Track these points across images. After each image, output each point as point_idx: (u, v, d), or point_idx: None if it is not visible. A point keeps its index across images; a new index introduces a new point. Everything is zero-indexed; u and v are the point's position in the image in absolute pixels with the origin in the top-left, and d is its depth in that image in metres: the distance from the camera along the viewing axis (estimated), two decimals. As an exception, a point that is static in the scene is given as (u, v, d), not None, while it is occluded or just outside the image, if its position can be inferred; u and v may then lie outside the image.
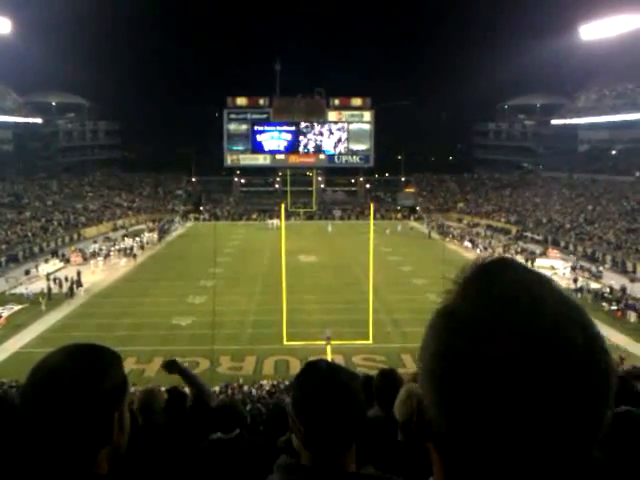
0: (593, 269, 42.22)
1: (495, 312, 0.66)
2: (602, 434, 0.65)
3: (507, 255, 39.05)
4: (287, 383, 20.26)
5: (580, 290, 36.76)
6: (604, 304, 33.99)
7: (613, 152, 73.48)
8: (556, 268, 42.60)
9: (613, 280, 39.03)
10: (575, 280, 38.70)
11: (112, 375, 1.29)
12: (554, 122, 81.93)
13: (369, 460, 1.52)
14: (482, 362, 0.63)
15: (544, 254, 48.14)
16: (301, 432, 1.45)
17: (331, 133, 79.64)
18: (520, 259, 44.69)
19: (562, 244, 52.18)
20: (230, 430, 4.38)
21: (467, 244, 53.00)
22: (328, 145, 79.77)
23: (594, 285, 37.94)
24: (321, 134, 79.44)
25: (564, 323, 0.65)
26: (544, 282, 0.70)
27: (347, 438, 1.45)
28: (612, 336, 28.54)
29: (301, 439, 1.45)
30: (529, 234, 57.41)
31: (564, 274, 41.13)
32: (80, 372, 1.24)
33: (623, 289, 35.65)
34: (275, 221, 62.72)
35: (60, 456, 1.22)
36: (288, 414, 1.51)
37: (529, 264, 43.46)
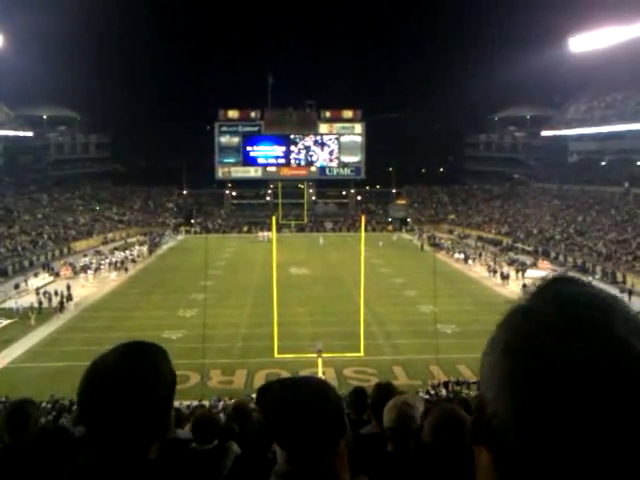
0: (584, 280, 42.27)
1: (575, 315, 0.65)
2: None
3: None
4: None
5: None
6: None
7: (603, 163, 73.88)
8: (547, 279, 42.64)
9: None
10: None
11: (167, 371, 1.34)
12: (544, 133, 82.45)
13: (363, 472, 1.51)
14: (561, 360, 0.61)
15: (534, 265, 48.25)
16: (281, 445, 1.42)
17: (322, 145, 79.91)
18: (511, 270, 44.87)
19: (552, 255, 52.37)
20: (208, 441, 4.43)
21: (458, 256, 53.08)
22: (319, 157, 80.00)
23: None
24: (312, 146, 79.70)
25: (636, 334, 0.63)
26: (617, 298, 0.69)
27: (323, 444, 1.39)
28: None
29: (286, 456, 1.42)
30: (520, 245, 57.59)
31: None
32: (139, 370, 1.28)
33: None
34: (266, 233, 62.68)
35: (118, 450, 1.26)
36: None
37: (520, 275, 43.66)
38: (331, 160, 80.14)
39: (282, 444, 1.41)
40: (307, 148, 79.68)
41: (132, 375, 1.26)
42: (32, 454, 2.78)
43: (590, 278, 42.42)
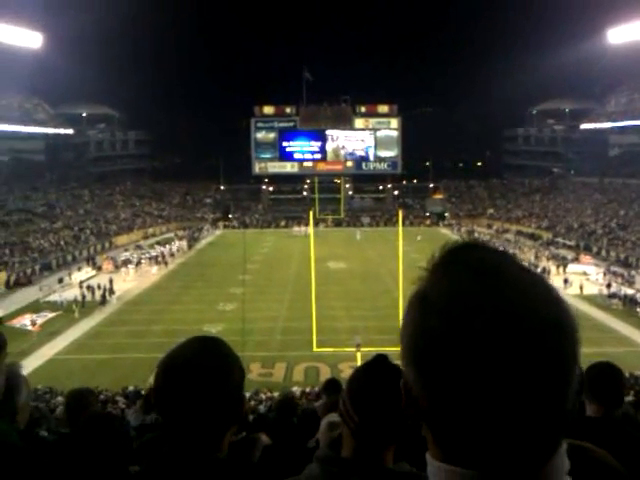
0: (626, 274, 41.54)
1: (463, 291, 0.70)
2: (573, 392, 0.70)
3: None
4: (317, 390, 20.18)
5: (613, 295, 36.22)
6: (638, 309, 33.45)
7: (645, 156, 72.31)
8: (589, 273, 42.02)
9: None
10: (608, 285, 38.13)
11: (237, 359, 1.43)
12: (584, 126, 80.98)
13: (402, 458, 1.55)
14: (454, 339, 0.67)
15: (576, 259, 47.51)
16: (354, 422, 1.47)
17: (358, 140, 79.72)
18: (552, 265, 44.23)
19: (594, 249, 51.45)
20: (236, 433, 4.51)
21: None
22: (355, 152, 79.85)
23: (628, 290, 37.32)
24: (348, 141, 79.58)
25: (532, 297, 0.69)
26: (512, 260, 0.75)
27: (395, 435, 1.48)
28: (647, 342, 28.17)
29: (352, 428, 1.48)
30: (560, 239, 56.71)
31: (597, 279, 40.55)
32: (215, 358, 1.37)
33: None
34: (303, 228, 62.85)
35: (198, 437, 1.33)
36: (341, 402, 1.54)
37: (561, 270, 43.01)
38: (367, 155, 79.87)
39: (363, 413, 1.46)
40: (343, 142, 79.53)
41: (210, 363, 1.34)
42: (87, 443, 2.80)
43: (633, 272, 41.73)
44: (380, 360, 1.57)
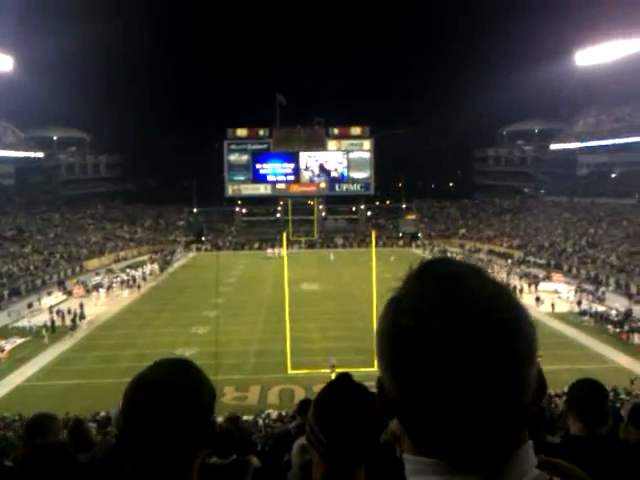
0: (597, 292, 42.09)
1: (433, 296, 0.78)
2: (529, 392, 0.78)
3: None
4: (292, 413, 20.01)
5: (584, 313, 36.65)
6: (609, 326, 33.84)
7: (613, 175, 73.78)
8: (560, 292, 42.51)
9: (617, 302, 38.93)
10: (579, 303, 38.59)
11: (207, 380, 1.40)
12: (553, 147, 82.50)
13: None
14: (423, 338, 0.75)
15: (548, 278, 48.02)
16: (322, 443, 1.44)
17: (331, 162, 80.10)
18: (523, 283, 44.68)
19: (565, 267, 52.10)
20: (228, 455, 4.45)
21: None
22: (329, 174, 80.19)
23: (598, 307, 37.79)
24: (321, 163, 79.92)
25: (492, 302, 0.78)
26: (478, 272, 0.83)
27: (365, 453, 1.45)
28: (618, 358, 28.42)
29: (320, 451, 1.44)
30: (531, 258, 57.36)
31: (568, 297, 41.02)
32: (185, 380, 1.33)
33: (628, 313, 35.43)
34: (276, 250, 62.81)
35: (166, 461, 1.29)
36: (308, 425, 1.51)
37: (532, 288, 43.47)
38: (340, 176, 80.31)
39: (330, 435, 1.43)
40: (316, 165, 79.89)
41: (179, 384, 1.30)
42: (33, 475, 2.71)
43: (603, 289, 42.35)
44: (343, 379, 1.55)
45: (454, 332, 0.74)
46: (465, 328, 0.74)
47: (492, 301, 0.77)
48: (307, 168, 79.85)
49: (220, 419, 18.53)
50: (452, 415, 0.75)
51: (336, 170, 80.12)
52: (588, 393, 3.04)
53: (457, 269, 0.82)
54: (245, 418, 19.54)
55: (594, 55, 67.70)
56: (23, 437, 3.43)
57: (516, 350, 0.76)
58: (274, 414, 20.75)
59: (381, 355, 0.82)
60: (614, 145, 72.05)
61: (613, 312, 36.19)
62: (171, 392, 1.28)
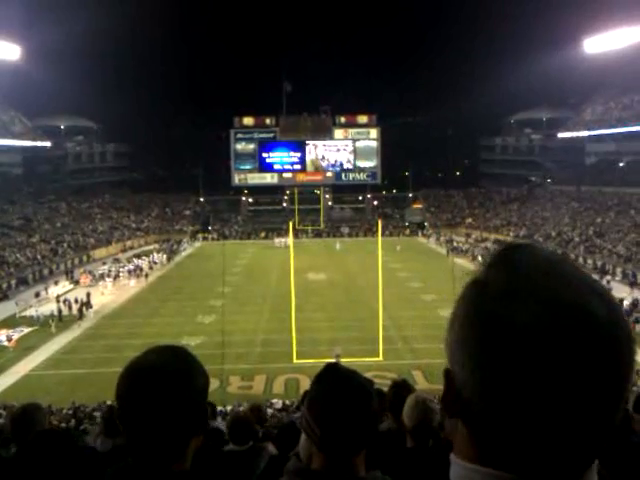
0: (603, 282, 41.96)
1: (525, 282, 0.69)
2: (625, 404, 0.68)
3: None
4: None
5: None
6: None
7: (621, 164, 73.26)
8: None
9: (624, 292, 38.79)
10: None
11: (200, 365, 1.40)
12: (560, 135, 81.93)
13: (380, 468, 1.53)
14: (511, 326, 0.66)
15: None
16: (316, 434, 1.46)
17: (338, 151, 79.99)
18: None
19: (572, 257, 51.88)
20: (244, 442, 4.51)
21: (481, 260, 52.83)
22: (335, 162, 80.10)
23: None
24: (328, 152, 79.82)
25: (589, 296, 0.67)
26: (568, 261, 0.74)
27: (361, 441, 1.46)
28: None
29: (316, 442, 1.46)
30: (538, 248, 57.13)
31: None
32: (178, 365, 1.34)
33: (635, 303, 35.33)
34: (283, 239, 62.81)
35: (160, 446, 1.30)
36: (303, 417, 1.53)
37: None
38: (347, 165, 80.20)
39: (324, 425, 1.45)
40: (323, 153, 79.82)
41: (173, 370, 1.31)
42: (35, 461, 2.69)
43: (609, 278, 42.19)
44: (330, 370, 1.56)
45: (560, 326, 0.64)
46: (565, 326, 0.65)
47: (589, 295, 0.68)
48: (314, 157, 79.78)
49: (242, 408, 18.68)
50: (538, 425, 0.65)
51: (343, 159, 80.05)
52: None
53: (550, 256, 0.74)
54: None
55: (603, 42, 67.03)
56: (10, 428, 3.39)
57: (627, 358, 0.66)
58: (278, 403, 20.83)
59: (460, 345, 0.72)
60: (622, 134, 71.44)
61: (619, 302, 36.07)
62: (164, 377, 1.29)
